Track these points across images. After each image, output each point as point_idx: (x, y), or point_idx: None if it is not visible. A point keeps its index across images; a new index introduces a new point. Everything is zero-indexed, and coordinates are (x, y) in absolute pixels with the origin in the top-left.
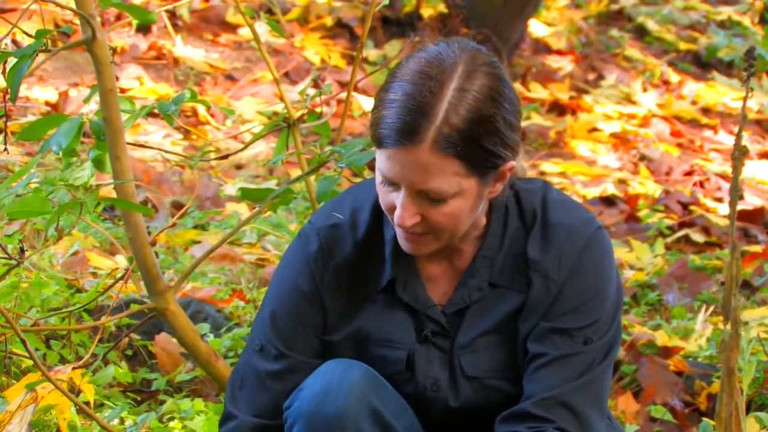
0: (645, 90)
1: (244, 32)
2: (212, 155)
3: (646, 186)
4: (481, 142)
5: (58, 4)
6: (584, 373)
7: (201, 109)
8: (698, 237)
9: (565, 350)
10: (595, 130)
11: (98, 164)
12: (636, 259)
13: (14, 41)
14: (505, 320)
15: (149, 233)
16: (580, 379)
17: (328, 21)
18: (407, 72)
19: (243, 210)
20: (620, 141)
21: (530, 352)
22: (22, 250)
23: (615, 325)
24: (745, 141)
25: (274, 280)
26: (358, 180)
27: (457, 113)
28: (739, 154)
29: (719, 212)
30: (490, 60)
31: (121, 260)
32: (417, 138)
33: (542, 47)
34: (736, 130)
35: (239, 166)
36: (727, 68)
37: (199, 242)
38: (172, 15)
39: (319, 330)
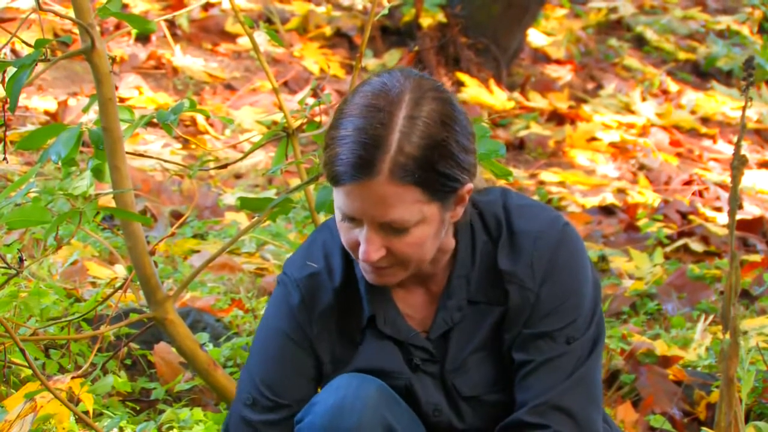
0: (644, 99)
1: (244, 42)
2: (211, 164)
3: (645, 195)
4: (437, 167)
5: (57, 14)
6: (572, 372)
7: (200, 119)
8: (697, 246)
9: (550, 353)
10: (594, 139)
11: (97, 174)
12: (635, 269)
13: (13, 51)
14: (489, 335)
15: (148, 242)
16: (569, 379)
17: (327, 30)
18: (354, 107)
19: (242, 219)
20: (619, 150)
21: (516, 360)
22: (21, 260)
23: (596, 319)
24: (744, 150)
25: (261, 331)
26: None
27: (409, 141)
28: (738, 164)
29: (718, 222)
30: (435, 85)
31: (120, 270)
32: (373, 171)
33: (541, 56)
34: (735, 139)
35: (238, 176)
36: (726, 78)
37: (198, 251)
38: (172, 24)
39: (311, 375)
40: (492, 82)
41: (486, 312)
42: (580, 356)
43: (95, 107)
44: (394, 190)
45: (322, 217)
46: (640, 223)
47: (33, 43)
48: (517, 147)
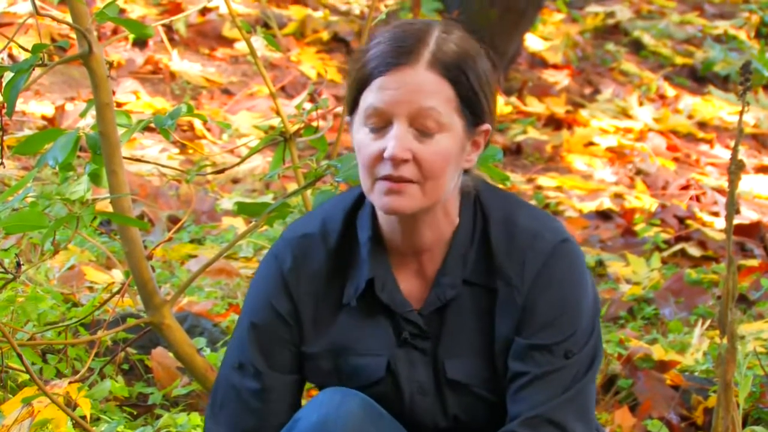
0: (641, 104)
1: (241, 46)
2: (208, 169)
3: (642, 200)
4: (469, 77)
5: (54, 19)
6: (568, 387)
7: (197, 124)
8: (695, 251)
9: (547, 367)
10: (591, 144)
11: (94, 178)
12: (632, 273)
13: (11, 55)
14: (484, 324)
15: (145, 247)
16: (565, 394)
17: (325, 35)
18: (383, 29)
19: (239, 224)
20: (616, 155)
21: (511, 370)
22: (18, 265)
23: (594, 336)
24: (742, 155)
25: (248, 296)
26: None
27: (447, 44)
28: (735, 169)
29: (716, 226)
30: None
31: (118, 274)
32: (413, 58)
33: (538, 61)
34: (732, 144)
35: (236, 181)
36: (724, 82)
37: (195, 256)
38: (169, 29)
39: (295, 345)
40: None
41: (480, 296)
42: (578, 371)
43: (92, 112)
44: (433, 78)
45: None
46: (638, 227)
47: (30, 48)
48: (515, 152)
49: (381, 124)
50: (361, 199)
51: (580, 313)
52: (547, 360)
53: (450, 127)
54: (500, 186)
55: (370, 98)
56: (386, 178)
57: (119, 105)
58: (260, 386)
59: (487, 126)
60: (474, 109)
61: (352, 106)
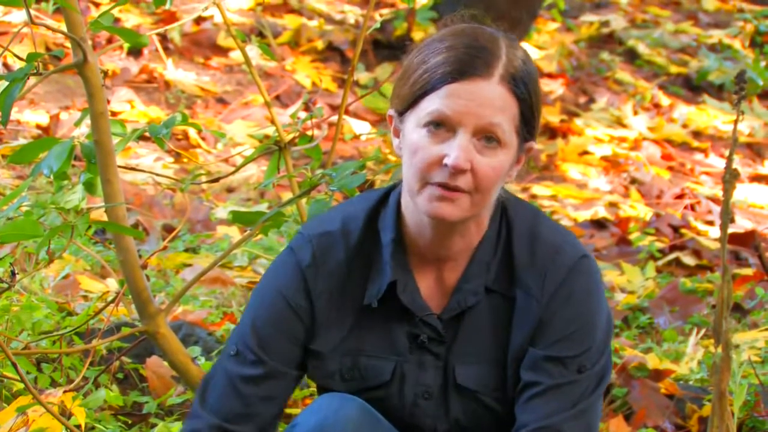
0: (636, 113)
1: (236, 55)
2: (203, 178)
3: (637, 209)
4: (533, 96)
5: (49, 28)
6: (578, 401)
7: (192, 133)
8: (689, 260)
9: (560, 379)
10: (586, 153)
11: (89, 187)
12: (627, 282)
13: (5, 64)
14: (499, 332)
15: (140, 256)
16: (575, 408)
17: (319, 44)
18: (449, 32)
19: (234, 233)
20: (611, 164)
21: (523, 380)
22: (13, 274)
23: (606, 354)
24: (736, 164)
25: (259, 287)
26: None
27: (516, 58)
28: (730, 177)
29: (710, 235)
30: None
31: (112, 283)
32: (488, 71)
33: None
34: (727, 153)
35: (230, 189)
36: (718, 91)
37: (190, 265)
38: (164, 38)
39: (300, 340)
40: None
41: (500, 305)
42: (588, 387)
43: (87, 121)
44: (503, 93)
45: None
46: (632, 236)
47: (25, 57)
48: None
49: (444, 129)
50: (383, 199)
51: (595, 329)
52: (560, 372)
53: (509, 144)
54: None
55: (437, 103)
56: (441, 185)
57: (114, 114)
58: (256, 373)
59: (532, 144)
60: (530, 127)
61: (409, 105)
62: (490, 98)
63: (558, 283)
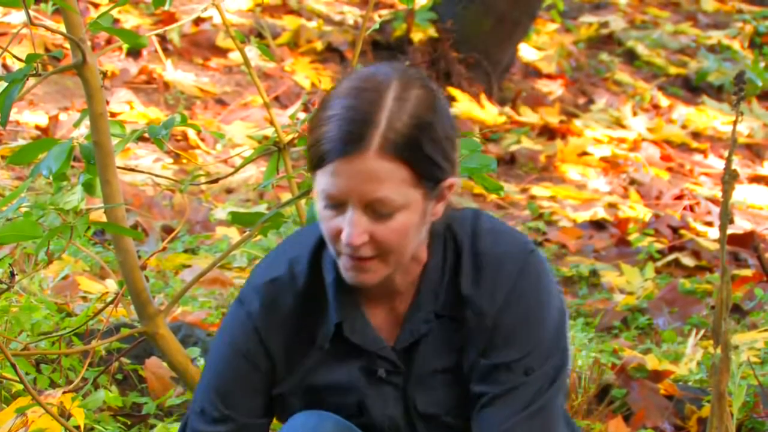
0: (635, 114)
1: (235, 56)
2: (202, 179)
3: (636, 210)
4: (425, 149)
5: (48, 29)
6: (530, 403)
7: (191, 133)
8: (688, 261)
9: (507, 384)
10: (585, 154)
11: (88, 188)
12: (626, 283)
13: (4, 65)
14: (454, 355)
15: (139, 257)
16: (527, 410)
17: (319, 45)
18: (342, 90)
19: (233, 234)
20: (610, 165)
21: (473, 392)
22: (12, 275)
23: (560, 349)
24: (735, 165)
25: (215, 344)
26: None
27: (399, 119)
28: (729, 178)
29: (709, 236)
30: (422, 75)
31: (112, 284)
32: (363, 145)
33: (532, 71)
34: (726, 154)
35: (229, 190)
36: (717, 92)
37: (189, 266)
38: (163, 39)
39: (262, 389)
40: (483, 97)
41: (451, 329)
42: (541, 387)
43: (86, 122)
44: (384, 165)
45: None
46: (631, 237)
47: (24, 58)
48: (508, 162)
49: (337, 205)
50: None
51: (542, 329)
52: (507, 378)
53: (407, 204)
54: (467, 205)
55: (324, 181)
56: (348, 255)
57: (113, 115)
58: (222, 430)
59: (451, 181)
60: (433, 175)
61: (310, 169)
62: (369, 174)
63: (505, 294)
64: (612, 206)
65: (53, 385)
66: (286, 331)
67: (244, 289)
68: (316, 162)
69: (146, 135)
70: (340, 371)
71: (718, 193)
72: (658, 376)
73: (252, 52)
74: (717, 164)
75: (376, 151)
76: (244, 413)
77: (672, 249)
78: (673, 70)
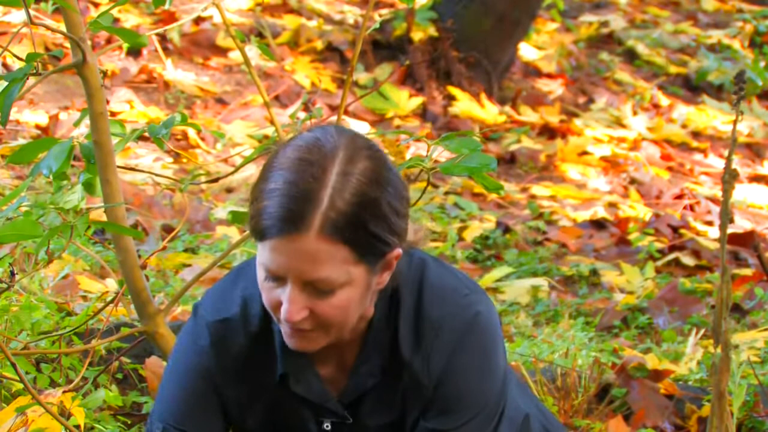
0: (635, 113)
1: (235, 56)
2: (202, 178)
3: (636, 209)
4: (368, 227)
5: (48, 28)
6: None
7: (191, 133)
8: (688, 260)
9: None
10: (585, 153)
11: (88, 187)
12: (626, 283)
13: (4, 64)
14: (398, 409)
15: (139, 256)
16: None
17: (319, 45)
18: (285, 160)
19: (233, 233)
20: (610, 164)
21: None
22: (12, 274)
23: (500, 409)
24: (736, 164)
25: (171, 363)
26: None
27: (342, 197)
28: (729, 178)
29: (709, 236)
30: (369, 144)
31: (112, 284)
32: (303, 225)
33: (532, 71)
34: (726, 153)
35: (229, 190)
36: (717, 92)
37: (189, 265)
38: (163, 38)
39: (220, 413)
40: (483, 96)
41: (397, 383)
42: None
43: (86, 121)
44: (323, 247)
45: None
46: (632, 237)
47: (24, 57)
48: (509, 161)
49: (277, 278)
50: None
51: (481, 397)
52: None
53: (349, 281)
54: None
55: (263, 255)
56: (288, 321)
57: (113, 114)
58: None
59: (397, 252)
60: (377, 251)
61: (254, 239)
62: (309, 254)
63: (443, 366)
64: (612, 206)
65: (53, 384)
66: (237, 370)
67: (197, 321)
68: (256, 235)
69: (146, 134)
70: (292, 416)
71: (718, 193)
72: (658, 375)
73: (252, 51)
74: (717, 163)
75: (316, 232)
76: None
77: (672, 248)
78: (673, 69)
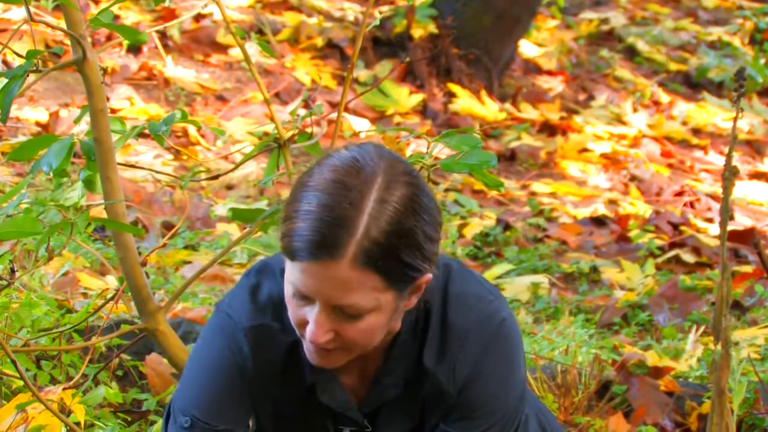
0: (635, 110)
1: (235, 53)
2: (203, 176)
3: (636, 206)
4: (401, 256)
5: (49, 25)
6: None
7: (192, 130)
8: (689, 257)
9: None
10: (585, 150)
11: (89, 185)
12: (626, 280)
13: (5, 62)
14: (417, 417)
15: (140, 254)
16: None
17: (319, 42)
18: (322, 181)
19: (233, 230)
20: (611, 161)
21: None
22: (12, 271)
23: (517, 420)
24: (736, 161)
25: (201, 365)
26: None
27: (378, 226)
28: (729, 175)
29: (710, 233)
30: (408, 169)
31: (112, 281)
32: (337, 253)
33: (533, 68)
34: (726, 150)
35: (230, 187)
36: (718, 89)
37: (189, 263)
38: (163, 35)
39: (249, 409)
40: (483, 93)
41: (416, 393)
42: None
43: (87, 118)
44: (355, 275)
45: None
46: (632, 234)
47: (24, 54)
48: (509, 158)
49: (304, 297)
50: None
51: (504, 404)
52: None
53: (378, 307)
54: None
55: (293, 274)
56: (312, 342)
57: (113, 111)
58: None
59: (427, 277)
60: (408, 278)
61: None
62: (339, 281)
63: (467, 374)
64: (612, 203)
65: (53, 381)
66: (270, 376)
67: (230, 322)
68: (287, 254)
69: (146, 131)
70: (313, 423)
71: (718, 190)
72: (658, 372)
73: (252, 48)
74: (717, 161)
75: (349, 260)
76: (232, 425)
77: (672, 245)
78: (673, 66)
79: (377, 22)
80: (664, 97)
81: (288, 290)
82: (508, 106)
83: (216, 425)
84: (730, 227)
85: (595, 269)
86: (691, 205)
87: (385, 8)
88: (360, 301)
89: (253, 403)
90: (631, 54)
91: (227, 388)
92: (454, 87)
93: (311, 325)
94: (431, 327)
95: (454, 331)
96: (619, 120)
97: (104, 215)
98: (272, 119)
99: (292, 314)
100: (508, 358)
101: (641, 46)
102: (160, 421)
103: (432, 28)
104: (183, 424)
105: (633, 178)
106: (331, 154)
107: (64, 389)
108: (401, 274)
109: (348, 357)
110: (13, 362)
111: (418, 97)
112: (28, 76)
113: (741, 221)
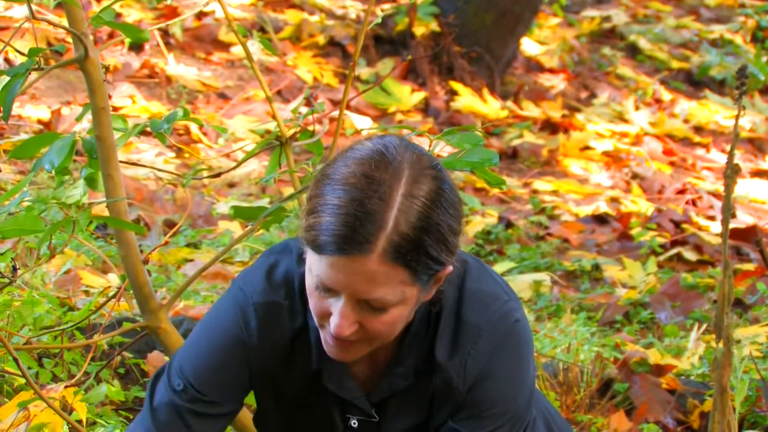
0: (637, 108)
1: (237, 51)
2: (204, 173)
3: (638, 204)
4: (428, 250)
5: (50, 23)
6: None
7: (193, 128)
8: (690, 255)
9: None
10: (587, 148)
11: (91, 182)
12: (628, 278)
13: (7, 60)
14: (425, 409)
15: (141, 251)
16: None
17: (321, 39)
18: (349, 174)
19: (235, 228)
20: (612, 159)
21: None
22: (14, 269)
23: (525, 421)
24: (738, 159)
25: (207, 328)
26: None
27: (407, 221)
28: (731, 173)
29: (711, 230)
30: (433, 162)
31: (114, 278)
32: (366, 248)
33: (534, 65)
34: (728, 148)
35: (232, 185)
36: (720, 86)
37: (191, 260)
38: (165, 33)
39: (245, 386)
40: (485, 91)
41: (426, 385)
42: None
43: (88, 116)
44: (384, 269)
45: None
46: (634, 232)
47: (26, 52)
48: (511, 156)
49: (329, 290)
50: None
51: (513, 404)
52: None
53: (403, 300)
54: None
55: (319, 268)
56: (337, 336)
57: (115, 109)
58: (203, 411)
59: (449, 269)
60: (432, 271)
61: (305, 244)
62: (367, 275)
63: (478, 371)
64: (614, 200)
65: (55, 379)
66: (275, 356)
67: (243, 296)
68: (313, 246)
69: (148, 129)
70: (319, 410)
71: (720, 188)
72: (660, 370)
73: (254, 46)
74: (719, 158)
75: (378, 255)
76: (224, 399)
77: (674, 243)
78: (675, 64)
79: (379, 20)
80: (666, 95)
81: (311, 282)
82: (509, 104)
83: (206, 395)
84: (731, 225)
85: (597, 267)
86: (693, 202)
87: (387, 6)
88: (387, 295)
89: (254, 382)
90: (633, 52)
91: (226, 360)
92: (456, 85)
93: (336, 318)
94: (444, 320)
95: (468, 327)
96: (621, 118)
97: (106, 213)
98: (274, 117)
99: (314, 306)
100: (519, 360)
101: (643, 43)
102: None
103: (434, 26)
104: (175, 386)
105: (635, 176)
106: (354, 146)
107: (65, 387)
108: (427, 267)
109: (368, 349)
110: (15, 360)
111: (420, 95)
112: (30, 74)
113: (743, 219)
